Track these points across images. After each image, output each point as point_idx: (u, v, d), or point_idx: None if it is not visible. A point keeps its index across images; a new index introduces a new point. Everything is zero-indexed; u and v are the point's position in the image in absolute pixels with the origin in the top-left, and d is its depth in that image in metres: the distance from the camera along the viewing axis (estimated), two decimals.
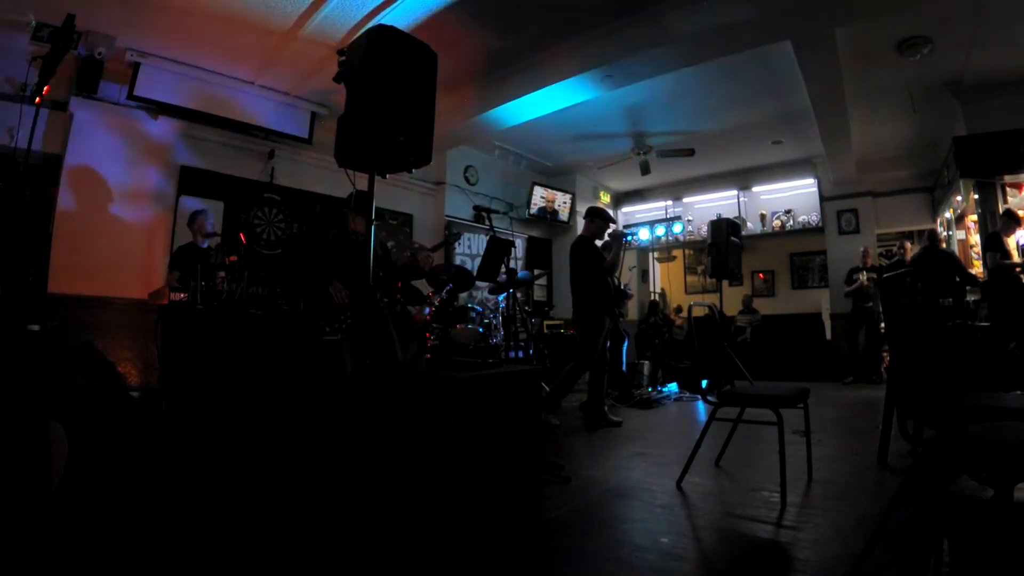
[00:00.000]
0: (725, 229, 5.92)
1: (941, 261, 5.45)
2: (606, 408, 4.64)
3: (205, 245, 4.43)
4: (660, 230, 9.27)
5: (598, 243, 4.85)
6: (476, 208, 4.76)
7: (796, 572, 1.76)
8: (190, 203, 5.07)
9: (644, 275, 9.88)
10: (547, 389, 4.66)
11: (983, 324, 4.48)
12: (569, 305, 5.05)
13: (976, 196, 5.56)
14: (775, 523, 2.18)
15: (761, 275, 9.83)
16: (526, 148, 7.81)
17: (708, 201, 9.08)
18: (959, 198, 6.06)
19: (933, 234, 6.07)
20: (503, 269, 3.67)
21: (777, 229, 8.46)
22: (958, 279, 5.12)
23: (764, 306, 9.22)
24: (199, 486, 2.65)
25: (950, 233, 6.81)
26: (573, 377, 4.62)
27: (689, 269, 10.54)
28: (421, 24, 4.24)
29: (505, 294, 5.20)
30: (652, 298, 8.92)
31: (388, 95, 2.08)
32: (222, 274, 3.55)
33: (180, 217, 5.00)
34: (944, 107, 5.84)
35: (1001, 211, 5.26)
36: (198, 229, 4.45)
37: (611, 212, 9.83)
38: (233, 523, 2.21)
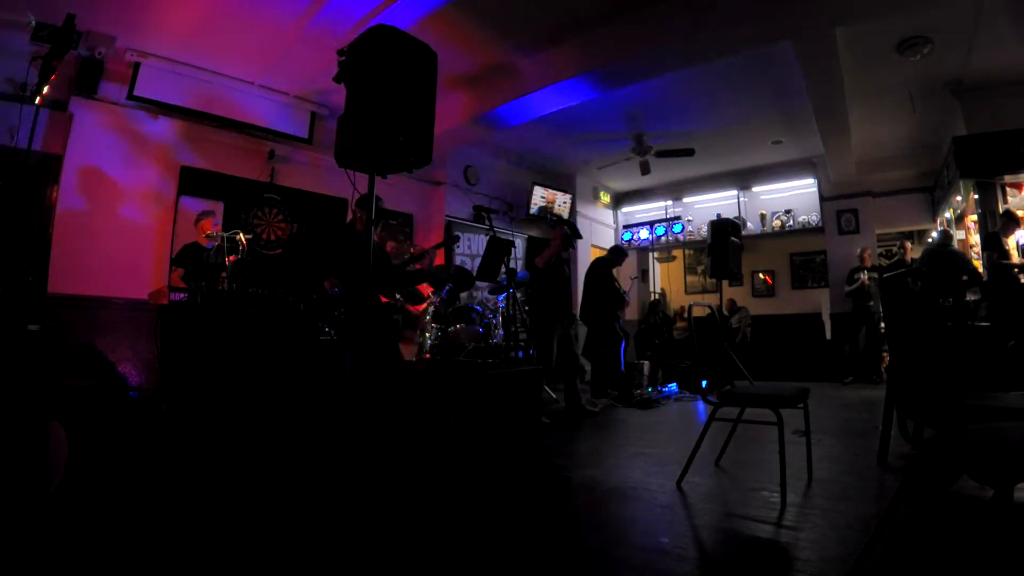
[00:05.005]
0: (725, 229, 5.92)
1: (950, 260, 5.44)
2: (584, 402, 4.87)
3: (211, 245, 4.44)
4: (660, 230, 9.27)
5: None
6: (476, 208, 4.77)
7: (796, 572, 1.76)
8: (190, 203, 5.08)
9: (644, 275, 9.88)
10: (552, 395, 4.74)
11: (983, 324, 4.47)
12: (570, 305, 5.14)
13: (976, 196, 5.55)
14: (775, 523, 2.17)
15: (768, 278, 9.70)
16: (526, 148, 7.80)
17: (708, 201, 9.07)
18: (959, 198, 6.06)
19: (946, 233, 6.08)
20: (503, 269, 3.68)
21: (777, 229, 8.46)
22: (965, 278, 5.11)
23: (764, 306, 9.22)
24: (199, 486, 2.65)
25: (950, 233, 6.82)
26: (598, 373, 4.74)
27: (689, 269, 10.54)
28: (421, 24, 4.24)
29: (505, 294, 5.21)
30: (652, 298, 8.90)
31: (388, 95, 2.09)
32: (223, 274, 3.56)
33: (180, 217, 5.00)
34: (944, 107, 5.84)
35: (1001, 211, 5.26)
36: (201, 229, 4.46)
37: (612, 214, 9.97)
38: (233, 523, 2.21)
